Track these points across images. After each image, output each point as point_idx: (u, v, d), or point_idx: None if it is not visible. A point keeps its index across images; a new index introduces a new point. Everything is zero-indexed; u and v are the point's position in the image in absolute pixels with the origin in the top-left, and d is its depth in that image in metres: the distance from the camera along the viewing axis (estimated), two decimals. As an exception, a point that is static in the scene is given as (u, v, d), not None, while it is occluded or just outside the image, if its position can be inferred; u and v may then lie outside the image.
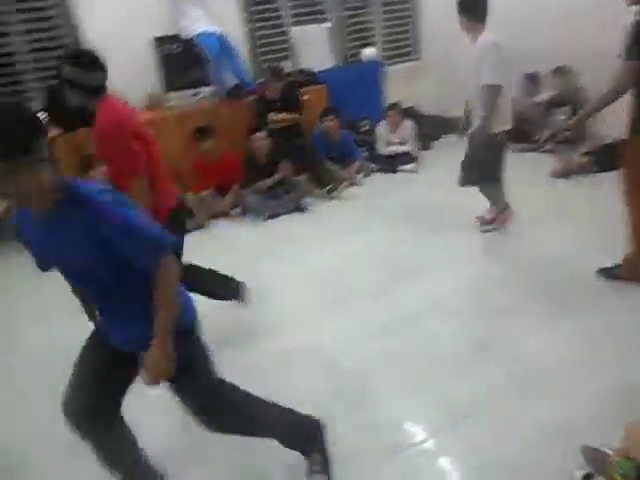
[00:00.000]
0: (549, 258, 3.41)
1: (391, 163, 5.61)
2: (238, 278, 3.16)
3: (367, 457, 2.08)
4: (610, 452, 1.75)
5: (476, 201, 3.95)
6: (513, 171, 4.49)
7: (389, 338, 2.82)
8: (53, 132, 4.75)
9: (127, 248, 1.49)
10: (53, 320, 3.40)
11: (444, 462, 2.04)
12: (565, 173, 4.74)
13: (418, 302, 3.11)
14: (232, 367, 2.68)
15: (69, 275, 1.66)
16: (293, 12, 6.18)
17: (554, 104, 5.58)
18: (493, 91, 3.32)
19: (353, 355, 2.73)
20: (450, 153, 6.00)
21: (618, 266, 3.01)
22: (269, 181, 4.95)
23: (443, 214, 4.15)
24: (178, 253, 2.61)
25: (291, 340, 2.92)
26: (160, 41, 5.26)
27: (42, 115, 4.87)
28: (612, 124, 3.45)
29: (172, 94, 5.35)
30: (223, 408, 1.80)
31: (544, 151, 5.38)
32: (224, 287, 3.08)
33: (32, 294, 3.81)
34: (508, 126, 3.53)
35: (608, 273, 3.03)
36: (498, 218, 3.85)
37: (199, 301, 1.86)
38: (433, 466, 2.03)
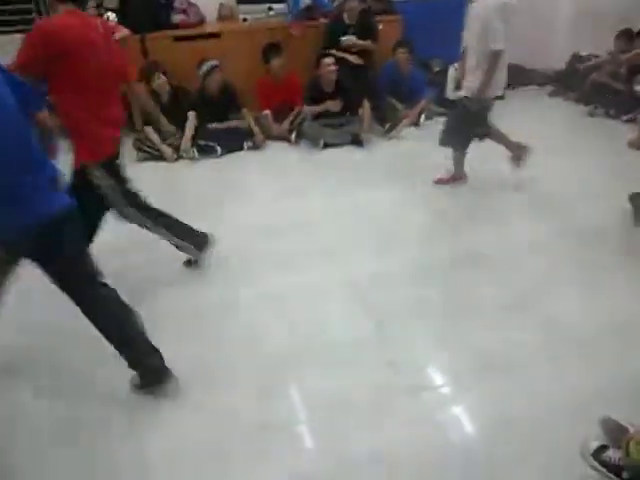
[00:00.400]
0: (598, 231, 3.24)
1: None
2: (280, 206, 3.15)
3: (385, 393, 2.12)
4: (632, 428, 1.72)
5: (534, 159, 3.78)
6: (587, 138, 4.25)
7: (428, 284, 2.80)
8: (123, 32, 4.75)
9: None
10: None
11: (458, 409, 2.06)
12: (642, 144, 4.42)
13: (461, 254, 3.06)
14: (268, 292, 2.80)
15: None
16: None
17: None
18: (497, 56, 3.25)
19: (389, 295, 2.73)
20: (524, 105, 5.77)
21: None
22: (319, 108, 4.81)
23: (500, 168, 3.97)
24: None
25: (329, 272, 2.94)
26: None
27: (112, 15, 4.87)
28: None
29: (245, 6, 5.23)
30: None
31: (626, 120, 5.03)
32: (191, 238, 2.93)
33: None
34: (500, 92, 3.55)
35: None
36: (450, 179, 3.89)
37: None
38: (447, 411, 2.05)
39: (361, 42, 4.97)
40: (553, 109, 5.68)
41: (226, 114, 4.74)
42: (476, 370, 2.22)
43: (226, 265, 3.02)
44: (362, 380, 2.18)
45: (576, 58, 6.03)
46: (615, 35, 5.48)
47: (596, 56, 5.81)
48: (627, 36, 5.40)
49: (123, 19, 4.84)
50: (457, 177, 3.89)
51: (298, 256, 3.10)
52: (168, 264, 2.99)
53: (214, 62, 4.58)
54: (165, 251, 2.92)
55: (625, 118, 5.06)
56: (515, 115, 5.10)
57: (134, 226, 2.69)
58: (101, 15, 4.84)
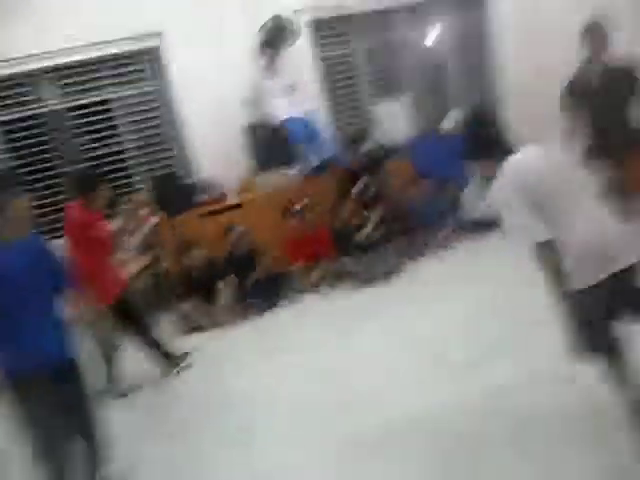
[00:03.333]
0: None
1: (479, 227, 5.50)
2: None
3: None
4: None
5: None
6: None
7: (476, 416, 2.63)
8: (154, 220, 5.11)
9: None
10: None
11: None
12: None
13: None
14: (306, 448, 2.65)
15: None
16: (372, 91, 6.48)
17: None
18: None
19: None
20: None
21: None
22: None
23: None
24: None
25: (365, 415, 2.83)
26: (247, 129, 5.64)
27: (143, 203, 5.28)
28: None
29: (261, 175, 5.64)
30: None
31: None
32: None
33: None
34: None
35: None
36: None
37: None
38: None
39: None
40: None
41: (254, 269, 4.99)
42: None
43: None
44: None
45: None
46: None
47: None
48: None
49: (154, 207, 5.27)
50: None
51: (331, 404, 3.00)
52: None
53: (241, 228, 4.94)
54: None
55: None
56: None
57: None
58: (135, 208, 5.26)
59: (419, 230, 5.40)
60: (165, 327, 4.82)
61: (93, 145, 5.65)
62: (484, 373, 2.95)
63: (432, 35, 6.72)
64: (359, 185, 5.30)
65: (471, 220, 5.56)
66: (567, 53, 6.19)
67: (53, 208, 5.48)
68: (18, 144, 5.41)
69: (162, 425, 3.22)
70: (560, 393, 2.61)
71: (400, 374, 3.18)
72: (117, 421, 2.86)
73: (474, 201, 5.61)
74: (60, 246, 3.60)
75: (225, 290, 4.71)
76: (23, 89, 5.38)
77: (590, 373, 2.19)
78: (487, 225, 5.46)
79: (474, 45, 6.84)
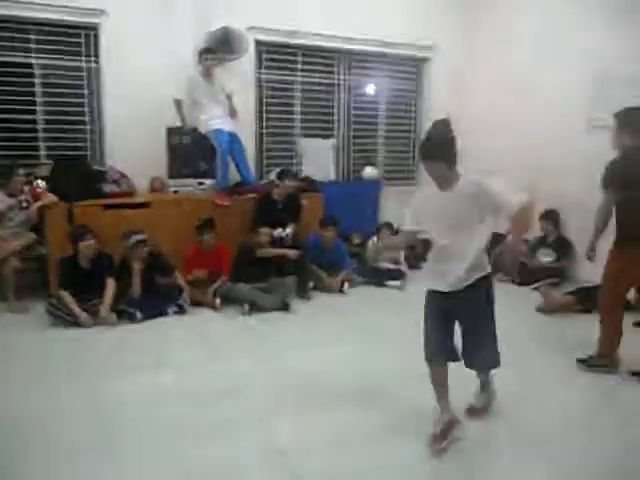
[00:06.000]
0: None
1: (378, 277, 5.65)
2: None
3: None
4: None
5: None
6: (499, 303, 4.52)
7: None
8: (49, 198, 4.79)
9: None
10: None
11: None
12: (549, 309, 4.78)
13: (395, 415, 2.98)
14: (187, 471, 2.53)
15: None
16: (303, 125, 6.58)
17: (540, 245, 5.85)
18: None
19: (320, 463, 2.55)
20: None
21: (591, 357, 3.57)
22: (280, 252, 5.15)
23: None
24: None
25: (246, 441, 2.74)
26: (172, 131, 5.51)
27: (41, 182, 4.98)
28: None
29: (175, 180, 5.51)
30: None
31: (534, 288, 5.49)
32: None
33: None
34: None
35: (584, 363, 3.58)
36: None
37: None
38: None
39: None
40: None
41: (153, 281, 4.75)
42: None
43: (139, 437, 2.74)
44: None
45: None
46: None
47: (500, 234, 6.46)
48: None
49: (53, 187, 4.94)
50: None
51: (218, 425, 2.87)
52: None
53: (140, 236, 4.60)
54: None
55: (533, 287, 5.50)
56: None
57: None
58: (30, 182, 4.93)
59: (315, 269, 5.43)
60: (36, 315, 4.48)
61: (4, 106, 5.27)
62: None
63: (371, 87, 7.00)
64: (285, 231, 5.29)
65: (371, 267, 5.72)
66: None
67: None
68: None
69: None
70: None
71: (272, 403, 3.12)
72: None
73: (377, 250, 5.80)
74: None
75: (108, 291, 4.45)
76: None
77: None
78: (386, 275, 5.66)
79: (405, 109, 7.21)
